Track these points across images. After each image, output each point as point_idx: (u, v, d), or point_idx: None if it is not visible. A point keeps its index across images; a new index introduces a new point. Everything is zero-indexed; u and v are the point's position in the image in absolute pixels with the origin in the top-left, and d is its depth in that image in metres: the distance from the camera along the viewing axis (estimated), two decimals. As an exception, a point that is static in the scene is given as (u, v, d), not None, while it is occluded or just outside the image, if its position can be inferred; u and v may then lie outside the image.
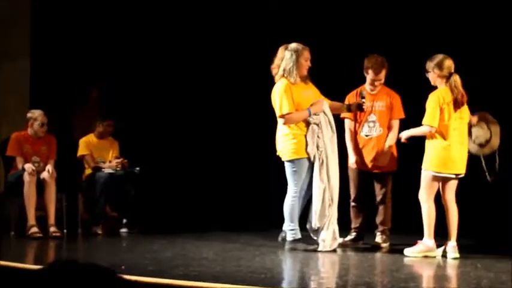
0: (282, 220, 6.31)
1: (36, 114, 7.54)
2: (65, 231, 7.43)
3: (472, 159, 6.08)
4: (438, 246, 5.89)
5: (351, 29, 8.35)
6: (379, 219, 6.59)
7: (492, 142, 6.12)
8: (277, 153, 6.30)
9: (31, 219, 7.13)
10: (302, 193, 6.19)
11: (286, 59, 6.19)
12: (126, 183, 7.74)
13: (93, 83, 9.32)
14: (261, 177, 8.51)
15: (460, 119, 5.90)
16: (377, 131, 6.56)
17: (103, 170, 7.78)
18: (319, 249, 6.07)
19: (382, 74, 6.52)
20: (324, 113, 6.21)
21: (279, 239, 6.32)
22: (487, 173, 6.01)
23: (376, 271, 5.66)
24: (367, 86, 6.60)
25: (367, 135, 6.59)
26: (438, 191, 5.95)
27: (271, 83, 6.35)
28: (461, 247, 5.94)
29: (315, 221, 6.11)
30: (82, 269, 1.84)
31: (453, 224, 5.86)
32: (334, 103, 6.42)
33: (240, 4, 8.99)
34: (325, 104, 6.27)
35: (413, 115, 6.15)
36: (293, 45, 6.23)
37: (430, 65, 5.92)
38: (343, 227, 6.45)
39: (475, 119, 6.10)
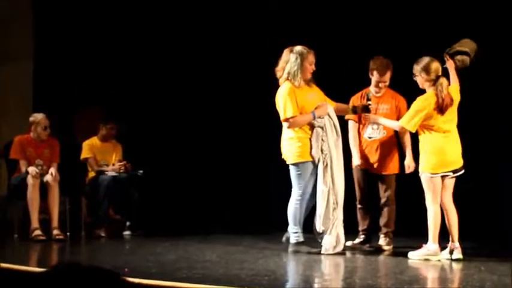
0: (285, 223, 6.30)
1: (38, 118, 7.55)
2: (68, 234, 7.43)
3: (470, 160, 6.09)
4: (442, 249, 5.88)
5: (354, 29, 8.33)
6: (382, 221, 6.58)
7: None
8: (282, 157, 6.30)
9: (34, 222, 7.14)
10: (306, 196, 6.18)
11: (291, 62, 6.19)
12: (129, 186, 7.74)
13: (93, 86, 9.32)
14: (264, 180, 8.51)
15: (450, 121, 5.91)
16: (380, 133, 6.55)
17: (106, 173, 7.79)
18: (321, 252, 6.06)
19: (387, 76, 6.51)
20: (329, 116, 6.21)
21: (283, 239, 6.32)
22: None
23: (380, 273, 5.65)
24: (372, 88, 6.59)
25: (370, 137, 6.58)
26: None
27: (273, 84, 6.34)
28: (465, 250, 5.93)
29: (319, 225, 6.10)
30: (85, 272, 1.84)
31: (454, 225, 5.87)
32: (339, 105, 6.42)
33: (240, 4, 8.99)
34: (330, 107, 6.26)
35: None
36: (298, 48, 6.23)
37: (416, 68, 5.93)
38: (352, 229, 6.44)
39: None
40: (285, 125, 6.22)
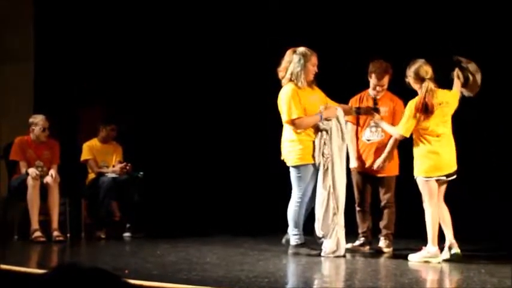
0: (285, 224, 6.30)
1: (37, 119, 7.55)
2: (68, 235, 7.43)
3: (465, 163, 6.09)
4: (441, 250, 5.89)
5: (355, 29, 8.33)
6: (382, 223, 6.58)
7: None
8: (282, 158, 6.28)
9: (34, 223, 7.14)
10: (306, 198, 6.17)
11: (294, 63, 6.16)
12: (129, 188, 7.74)
13: (93, 87, 9.33)
14: (264, 182, 8.51)
15: (444, 123, 5.92)
16: (379, 136, 6.55)
17: (106, 174, 7.79)
18: (321, 255, 6.06)
19: (385, 80, 6.51)
20: (338, 120, 6.19)
21: (283, 241, 6.31)
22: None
23: (380, 275, 5.65)
24: (370, 91, 6.60)
25: (368, 140, 6.58)
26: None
27: (273, 85, 6.30)
28: (465, 252, 5.93)
29: (318, 229, 6.09)
30: (86, 273, 1.84)
31: (447, 223, 5.91)
32: (342, 106, 6.40)
33: (240, 4, 8.99)
34: (340, 111, 6.22)
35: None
36: (301, 49, 6.20)
37: (408, 71, 5.97)
38: (352, 231, 6.43)
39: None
40: (286, 126, 6.18)
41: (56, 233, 7.17)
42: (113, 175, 7.76)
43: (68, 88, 9.26)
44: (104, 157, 7.99)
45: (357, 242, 6.59)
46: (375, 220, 6.63)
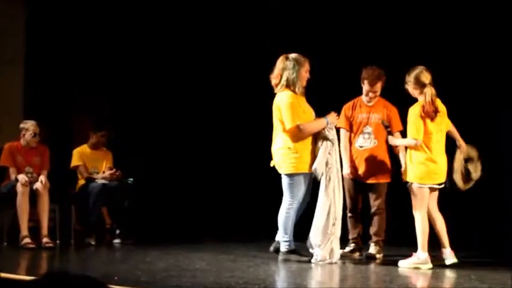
0: (275, 231, 6.29)
1: (28, 124, 7.53)
2: (57, 241, 7.40)
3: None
4: (432, 257, 5.90)
5: (355, 30, 8.33)
6: (373, 230, 6.58)
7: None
8: (273, 165, 6.26)
9: (24, 229, 7.10)
10: (297, 205, 6.14)
11: (288, 69, 6.13)
12: (119, 194, 7.72)
13: (83, 93, 9.31)
14: (254, 188, 8.50)
15: (440, 131, 5.97)
16: (372, 142, 6.56)
17: (96, 180, 7.77)
18: (311, 261, 6.05)
19: (377, 87, 6.52)
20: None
21: (271, 249, 6.30)
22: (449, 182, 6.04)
23: (370, 282, 5.65)
24: (363, 97, 6.61)
25: (361, 147, 6.59)
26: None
27: (270, 89, 6.30)
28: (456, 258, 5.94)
29: (315, 237, 6.06)
30: (74, 281, 1.83)
31: (443, 232, 5.94)
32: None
33: (240, 4, 8.99)
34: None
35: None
36: (294, 55, 6.17)
37: (408, 77, 6.00)
38: (342, 238, 6.43)
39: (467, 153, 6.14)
40: (281, 134, 6.10)
41: (45, 240, 7.14)
42: (103, 181, 7.74)
43: (58, 93, 9.24)
44: (93, 163, 7.97)
45: (347, 248, 6.59)
46: (365, 226, 6.64)
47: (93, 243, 7.54)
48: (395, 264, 5.97)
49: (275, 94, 6.26)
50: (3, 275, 5.07)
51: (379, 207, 6.55)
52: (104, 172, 7.89)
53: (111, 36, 9.38)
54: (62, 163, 7.97)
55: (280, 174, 6.19)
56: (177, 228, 8.66)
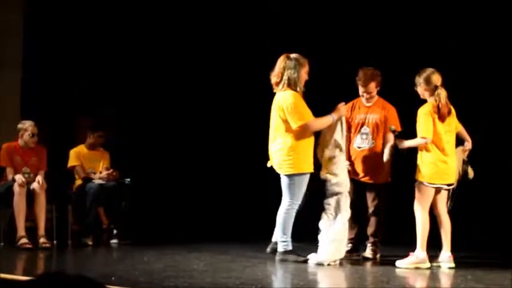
0: (272, 231, 6.29)
1: (26, 124, 7.53)
2: (55, 242, 7.40)
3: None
4: (431, 257, 5.91)
5: (354, 30, 8.34)
6: (370, 230, 6.59)
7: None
8: (270, 165, 6.25)
9: (21, 230, 7.10)
10: (297, 206, 6.14)
11: (290, 69, 6.12)
12: (116, 194, 7.72)
13: (80, 94, 9.31)
14: (252, 189, 8.50)
15: (450, 132, 5.98)
16: (369, 143, 6.56)
17: (93, 180, 7.77)
18: (315, 260, 6.04)
19: (371, 87, 6.51)
20: (341, 121, 6.20)
21: (268, 250, 6.30)
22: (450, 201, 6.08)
23: (367, 282, 5.66)
24: (362, 98, 6.61)
25: (359, 147, 6.59)
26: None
27: (269, 91, 6.30)
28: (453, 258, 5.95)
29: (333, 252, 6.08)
30: (71, 281, 1.84)
31: (447, 234, 5.94)
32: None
33: (239, 4, 8.99)
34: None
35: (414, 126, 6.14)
36: (295, 55, 6.18)
37: (418, 79, 6.02)
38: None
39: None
40: (283, 134, 6.09)
41: (42, 240, 7.13)
42: (100, 181, 7.74)
43: (56, 94, 9.24)
44: (91, 164, 7.97)
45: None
46: (362, 227, 6.64)
47: (90, 243, 7.54)
48: (392, 264, 5.98)
49: (274, 94, 6.26)
50: (1, 275, 5.07)
51: (376, 207, 6.55)
52: (101, 172, 7.89)
53: (109, 37, 9.39)
54: (59, 163, 7.96)
55: (278, 175, 6.19)
56: (174, 228, 8.66)
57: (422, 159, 5.95)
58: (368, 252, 6.52)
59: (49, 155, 7.65)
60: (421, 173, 5.93)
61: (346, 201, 6.12)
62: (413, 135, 6.04)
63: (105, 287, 1.83)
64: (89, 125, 8.33)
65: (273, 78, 6.20)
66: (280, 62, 6.18)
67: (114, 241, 7.65)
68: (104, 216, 8.04)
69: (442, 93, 5.91)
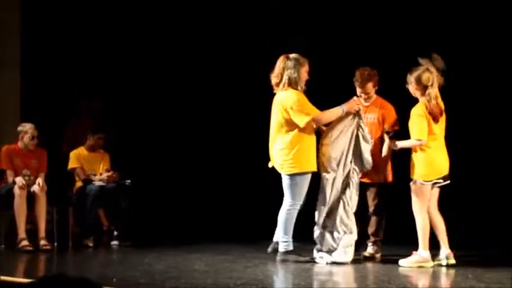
0: (273, 232, 6.29)
1: (26, 127, 7.53)
2: (55, 244, 7.40)
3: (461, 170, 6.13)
4: (433, 256, 5.91)
5: (354, 30, 8.34)
6: (371, 230, 6.59)
7: None
8: (271, 165, 6.25)
9: (21, 232, 7.10)
10: (299, 206, 6.14)
11: (290, 69, 6.12)
12: (117, 196, 7.72)
13: (80, 96, 9.31)
14: (252, 189, 8.50)
15: (441, 129, 6.00)
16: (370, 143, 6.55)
17: (94, 182, 7.77)
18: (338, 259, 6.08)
19: (368, 88, 6.50)
20: (359, 116, 6.22)
21: (269, 250, 6.30)
22: None
23: (368, 282, 5.66)
24: (360, 98, 6.60)
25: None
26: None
27: (269, 91, 6.29)
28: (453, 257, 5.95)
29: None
30: (71, 283, 1.83)
31: (442, 232, 5.94)
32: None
33: (239, 4, 8.98)
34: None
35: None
36: (295, 55, 6.18)
37: (409, 77, 6.01)
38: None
39: None
40: (286, 133, 6.07)
41: (43, 242, 7.14)
42: (100, 183, 7.74)
43: (56, 96, 9.23)
44: (91, 165, 7.97)
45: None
46: (363, 226, 6.63)
47: (91, 245, 7.54)
48: (393, 263, 5.98)
49: (274, 94, 6.26)
50: (1, 277, 5.07)
51: (377, 207, 6.55)
52: (101, 174, 7.89)
53: (108, 39, 9.38)
54: (59, 165, 7.96)
55: (279, 175, 6.19)
56: (175, 229, 8.66)
57: (417, 158, 5.95)
58: (369, 252, 6.52)
59: (49, 157, 7.65)
60: (417, 171, 5.93)
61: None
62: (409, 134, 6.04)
63: (106, 289, 1.83)
64: (88, 126, 8.33)
65: (273, 79, 6.21)
66: (280, 62, 6.18)
67: (114, 242, 7.65)
68: (104, 217, 8.05)
69: (432, 93, 5.90)
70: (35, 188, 7.25)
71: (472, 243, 7.13)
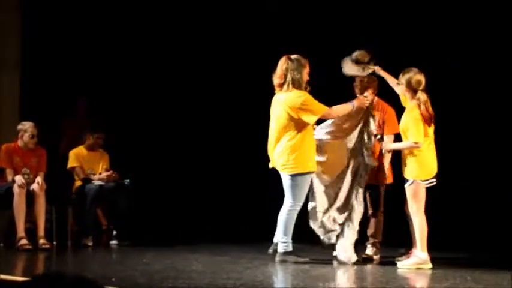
0: (272, 232, 6.29)
1: (26, 126, 7.52)
2: (54, 243, 7.40)
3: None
4: (432, 259, 5.92)
5: (354, 31, 8.34)
6: (370, 231, 6.59)
7: None
8: (272, 166, 6.25)
9: (20, 231, 7.10)
10: (299, 207, 6.15)
11: (292, 69, 6.11)
12: (116, 195, 7.72)
13: (80, 94, 9.31)
14: (251, 190, 8.50)
15: (432, 131, 6.01)
16: (369, 144, 6.55)
17: (93, 182, 7.77)
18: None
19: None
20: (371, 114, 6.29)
21: (270, 251, 6.30)
22: None
23: (366, 283, 5.66)
24: None
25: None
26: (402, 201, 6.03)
27: (268, 92, 6.29)
28: (451, 259, 5.94)
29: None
30: (70, 282, 1.83)
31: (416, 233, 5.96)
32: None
33: (238, 6, 8.99)
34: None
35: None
36: (296, 56, 6.18)
37: (401, 78, 6.02)
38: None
39: None
40: (287, 134, 6.07)
41: (42, 241, 7.13)
42: (100, 183, 7.75)
43: (55, 95, 9.23)
44: (90, 165, 7.96)
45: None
46: (363, 228, 6.64)
47: (89, 244, 7.54)
48: (391, 265, 5.98)
49: (274, 95, 6.25)
50: (0, 276, 5.07)
51: (376, 208, 6.56)
52: (100, 173, 7.89)
53: (108, 38, 9.38)
54: (58, 165, 7.96)
55: (279, 175, 6.19)
56: (174, 229, 8.66)
57: (412, 159, 5.93)
58: (368, 253, 6.53)
59: (48, 157, 7.65)
60: (412, 172, 5.93)
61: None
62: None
63: (102, 287, 1.83)
64: (88, 126, 8.33)
65: (276, 80, 6.20)
66: (282, 63, 6.17)
67: (113, 242, 7.65)
68: (103, 217, 8.05)
69: (422, 98, 5.89)
70: (34, 186, 7.24)
71: (470, 245, 7.13)
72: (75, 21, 9.24)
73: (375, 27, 8.28)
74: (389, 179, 6.58)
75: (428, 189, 5.95)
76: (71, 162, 7.95)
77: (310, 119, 6.08)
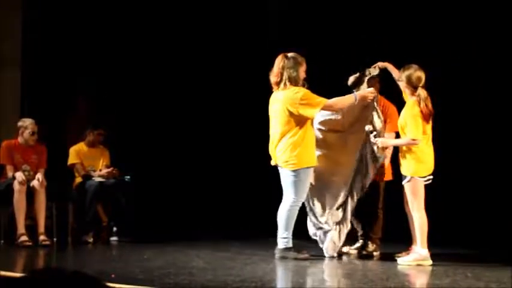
0: (274, 229, 6.29)
1: (27, 122, 7.53)
2: (54, 239, 7.41)
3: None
4: (432, 255, 5.92)
5: (354, 31, 8.34)
6: (369, 228, 6.59)
7: None
8: (274, 163, 6.24)
9: (21, 227, 7.11)
10: (300, 203, 6.15)
11: (289, 68, 6.12)
12: (116, 192, 7.73)
13: (80, 92, 9.31)
14: (251, 186, 8.51)
15: (430, 129, 6.01)
16: (370, 142, 6.55)
17: (93, 178, 7.77)
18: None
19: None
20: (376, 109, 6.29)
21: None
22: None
23: (366, 280, 5.65)
24: None
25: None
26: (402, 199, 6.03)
27: (268, 89, 6.28)
28: (451, 256, 5.94)
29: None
30: (70, 278, 1.83)
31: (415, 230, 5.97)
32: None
33: (239, 5, 8.98)
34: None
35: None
36: (293, 54, 6.18)
37: (401, 74, 6.01)
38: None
39: None
40: (289, 130, 6.07)
41: (42, 237, 7.14)
42: (100, 179, 7.75)
43: (56, 92, 9.23)
44: (91, 161, 7.97)
45: (345, 248, 6.59)
46: (363, 224, 6.64)
47: (90, 241, 7.55)
48: (391, 261, 5.98)
49: (272, 93, 6.25)
50: (0, 273, 5.07)
51: (376, 205, 6.56)
52: (100, 170, 7.89)
53: (109, 37, 9.38)
54: (59, 161, 7.96)
55: (278, 172, 6.18)
56: (174, 225, 8.66)
57: (410, 156, 5.93)
58: (368, 249, 6.53)
59: (49, 153, 7.65)
60: (411, 168, 5.92)
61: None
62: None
63: (101, 282, 1.82)
64: (88, 122, 8.33)
65: (273, 78, 6.20)
66: (279, 61, 6.17)
67: (114, 238, 7.66)
68: (104, 213, 8.05)
69: (421, 95, 5.89)
70: (35, 183, 7.25)
71: (470, 241, 7.13)
72: (76, 20, 9.23)
73: (375, 25, 8.28)
74: (389, 176, 6.58)
75: (428, 186, 5.94)
76: (71, 159, 7.95)
77: (311, 113, 6.07)
